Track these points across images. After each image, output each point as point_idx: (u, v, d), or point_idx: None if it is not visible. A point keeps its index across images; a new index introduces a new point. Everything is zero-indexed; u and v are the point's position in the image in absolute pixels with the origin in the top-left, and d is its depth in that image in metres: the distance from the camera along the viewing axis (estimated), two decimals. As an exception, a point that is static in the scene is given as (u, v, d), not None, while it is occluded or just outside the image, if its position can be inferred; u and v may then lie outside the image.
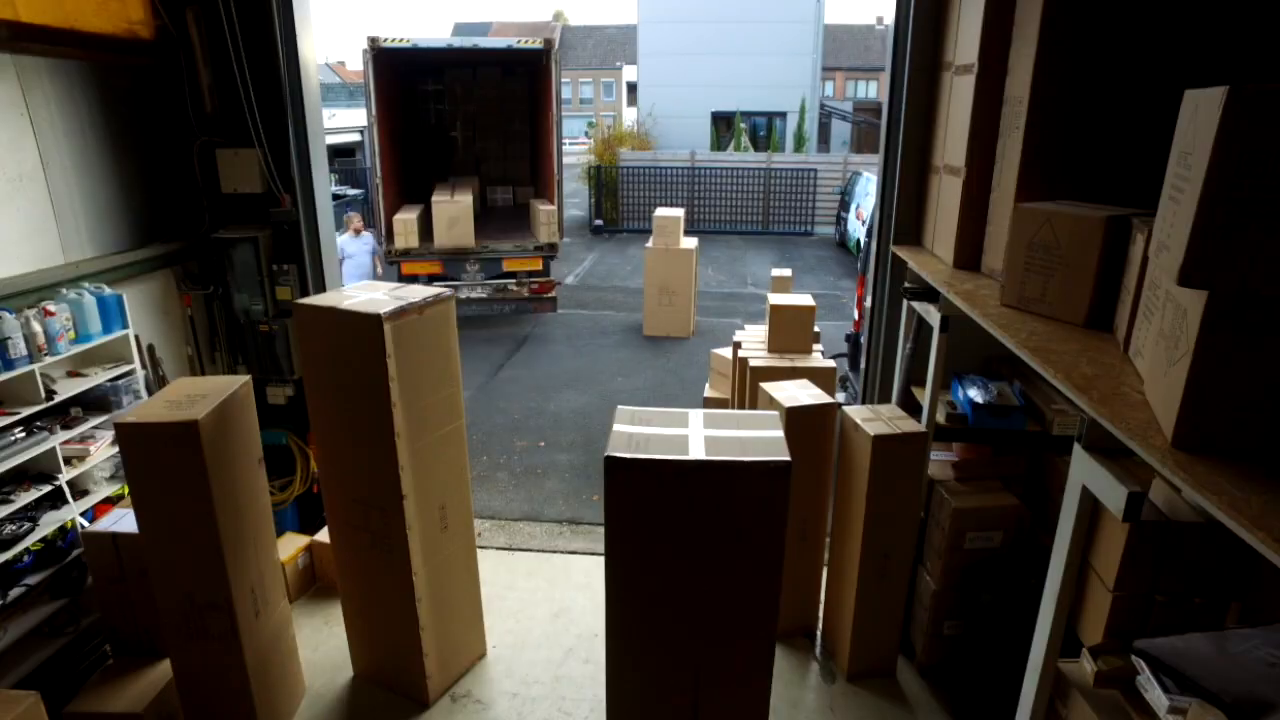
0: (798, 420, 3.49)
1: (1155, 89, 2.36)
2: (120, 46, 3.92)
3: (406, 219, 9.29)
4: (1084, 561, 2.51)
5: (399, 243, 9.28)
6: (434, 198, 9.39)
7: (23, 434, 3.26)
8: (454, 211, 9.33)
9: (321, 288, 4.38)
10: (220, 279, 4.37)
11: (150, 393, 3.83)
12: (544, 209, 9.59)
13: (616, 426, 2.34)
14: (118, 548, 3.24)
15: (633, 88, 30.79)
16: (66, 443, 3.47)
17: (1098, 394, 1.96)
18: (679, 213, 9.69)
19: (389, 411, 3.01)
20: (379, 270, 9.23)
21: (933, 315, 3.31)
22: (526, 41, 9.76)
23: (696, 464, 2.16)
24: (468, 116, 11.72)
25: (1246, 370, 1.59)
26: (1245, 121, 1.50)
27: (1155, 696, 1.98)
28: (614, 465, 2.16)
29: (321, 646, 3.92)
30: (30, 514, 3.36)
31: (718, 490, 2.19)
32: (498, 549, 4.87)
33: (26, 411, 3.24)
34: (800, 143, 25.40)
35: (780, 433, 2.35)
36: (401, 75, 10.71)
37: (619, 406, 2.50)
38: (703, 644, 2.38)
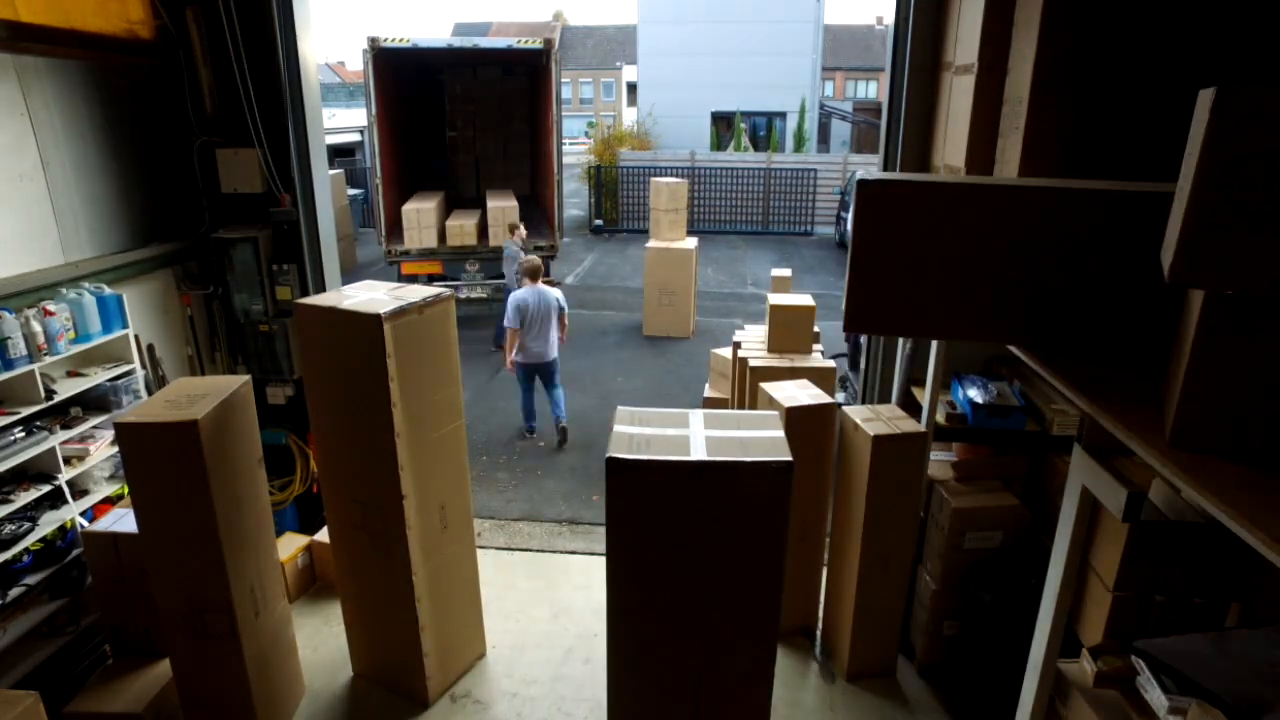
0: (798, 420, 3.48)
1: (1156, 89, 2.37)
2: (120, 46, 3.92)
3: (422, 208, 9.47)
4: (1084, 561, 2.51)
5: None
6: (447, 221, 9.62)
7: (22, 434, 3.26)
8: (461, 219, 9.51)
9: (321, 288, 4.38)
10: (220, 279, 4.37)
11: (150, 393, 3.83)
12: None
13: (617, 427, 2.34)
14: (118, 548, 3.24)
15: (633, 88, 30.76)
16: (66, 442, 3.47)
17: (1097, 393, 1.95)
18: (680, 181, 9.70)
19: (389, 411, 3.01)
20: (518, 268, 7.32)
21: (933, 315, 3.31)
22: (526, 41, 9.75)
23: (698, 464, 2.16)
24: (467, 116, 11.72)
25: (1244, 370, 1.59)
26: (1233, 122, 1.50)
27: (1155, 696, 1.98)
28: (615, 466, 2.16)
29: (321, 646, 3.92)
30: (30, 514, 3.36)
31: (719, 491, 2.19)
32: (497, 549, 4.87)
33: (26, 411, 3.24)
34: (800, 143, 25.35)
35: (781, 433, 2.35)
36: (401, 75, 10.69)
37: (619, 407, 2.50)
38: (704, 644, 2.38)
